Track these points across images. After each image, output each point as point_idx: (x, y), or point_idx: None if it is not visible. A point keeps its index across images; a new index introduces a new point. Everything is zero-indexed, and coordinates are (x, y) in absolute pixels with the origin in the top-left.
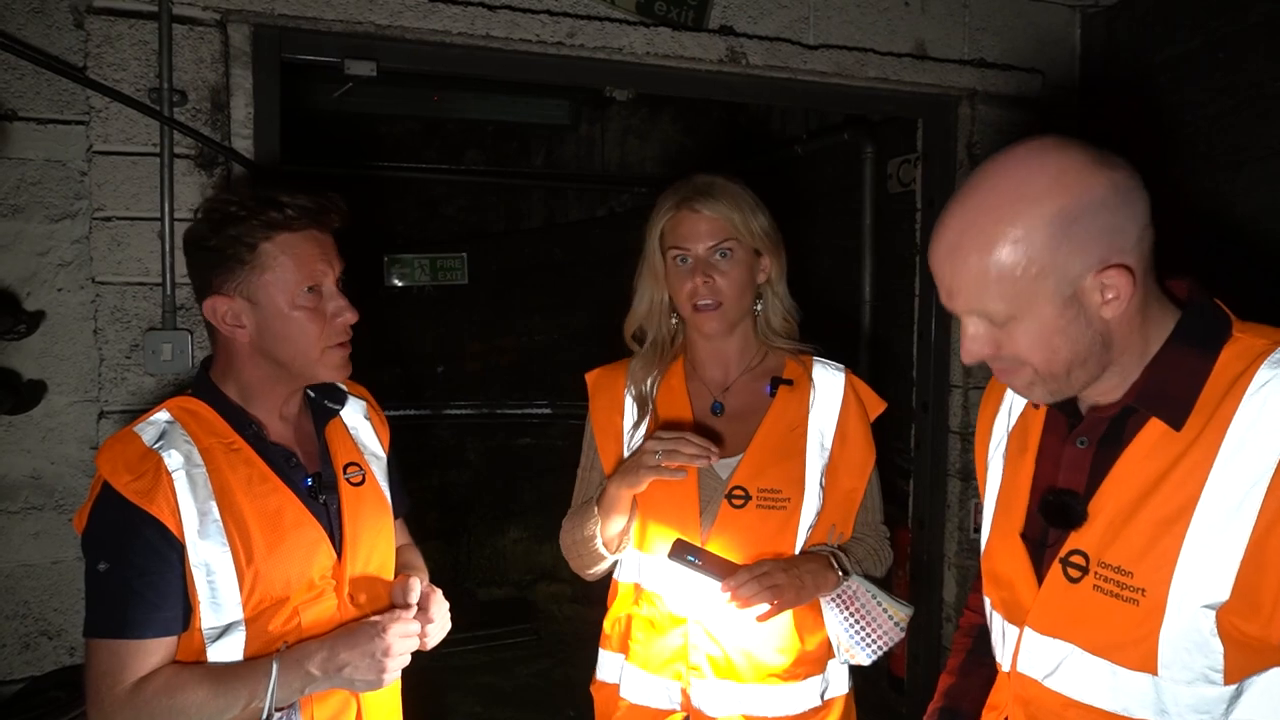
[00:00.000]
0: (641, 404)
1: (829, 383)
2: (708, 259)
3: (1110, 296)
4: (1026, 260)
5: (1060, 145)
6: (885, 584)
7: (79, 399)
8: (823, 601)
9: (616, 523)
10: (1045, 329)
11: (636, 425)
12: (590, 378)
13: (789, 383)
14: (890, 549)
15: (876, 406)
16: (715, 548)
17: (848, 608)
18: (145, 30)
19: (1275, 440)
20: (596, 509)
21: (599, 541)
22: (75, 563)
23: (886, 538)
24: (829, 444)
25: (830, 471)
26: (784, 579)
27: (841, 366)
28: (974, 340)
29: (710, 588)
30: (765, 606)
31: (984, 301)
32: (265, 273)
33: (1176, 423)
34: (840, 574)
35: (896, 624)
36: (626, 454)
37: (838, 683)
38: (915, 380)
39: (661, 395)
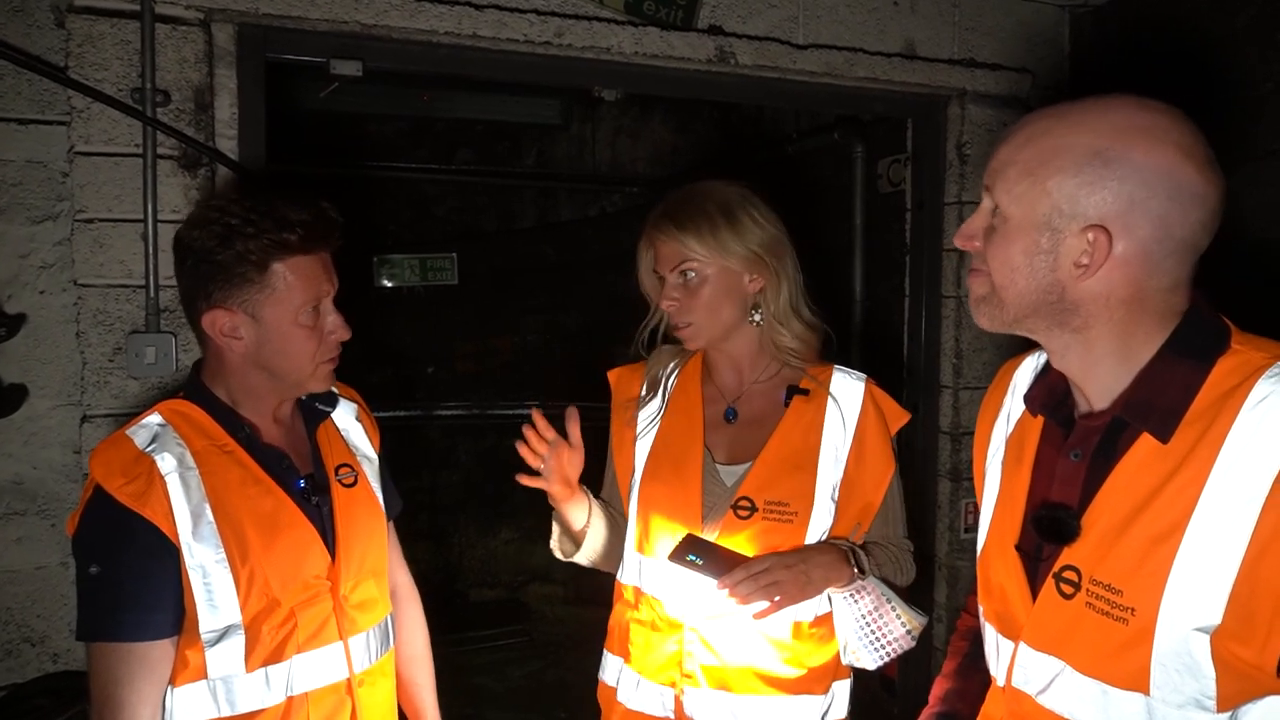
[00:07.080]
0: (657, 391)
1: (847, 393)
2: (674, 281)
3: (1084, 261)
4: (1048, 167)
5: (1175, 122)
6: (900, 592)
7: (61, 403)
8: (834, 597)
9: (569, 528)
10: (1017, 243)
11: (652, 421)
12: (612, 376)
13: (805, 392)
14: (913, 563)
15: (898, 418)
16: None
17: (859, 607)
18: (127, 30)
19: (1272, 457)
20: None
21: (557, 550)
22: (59, 569)
23: (909, 550)
24: (844, 456)
25: (845, 485)
26: (785, 575)
27: (862, 376)
28: (973, 217)
29: (710, 587)
30: (765, 603)
31: (1001, 179)
32: (274, 292)
33: (1163, 435)
34: (856, 570)
35: (909, 632)
36: (635, 455)
37: (839, 706)
38: (906, 380)
39: (676, 394)
